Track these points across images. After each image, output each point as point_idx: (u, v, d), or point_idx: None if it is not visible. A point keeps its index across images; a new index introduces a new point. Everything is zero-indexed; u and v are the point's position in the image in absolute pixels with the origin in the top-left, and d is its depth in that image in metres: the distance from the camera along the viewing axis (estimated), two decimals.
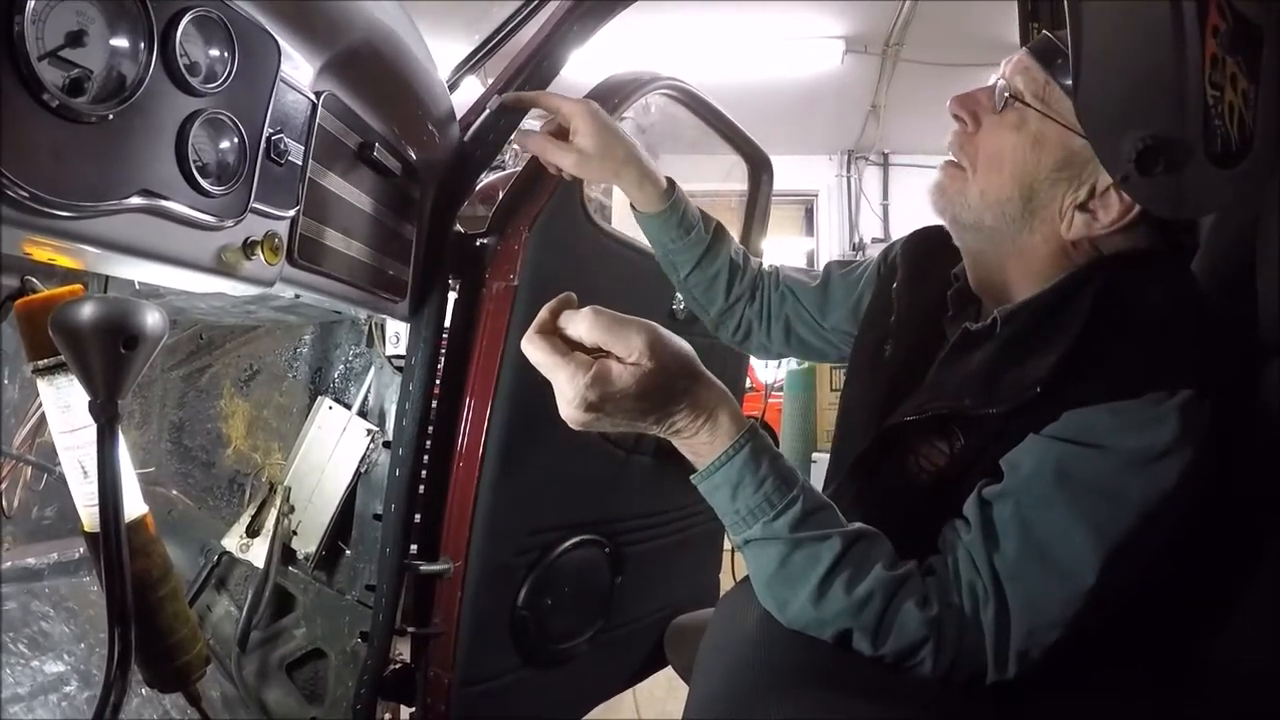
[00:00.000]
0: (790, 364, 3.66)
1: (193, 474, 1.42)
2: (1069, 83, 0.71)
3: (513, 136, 1.12)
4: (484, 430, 1.15)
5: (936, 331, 0.88)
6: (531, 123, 1.15)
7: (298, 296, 0.87)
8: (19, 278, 0.71)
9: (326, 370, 1.30)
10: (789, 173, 3.60)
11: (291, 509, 1.25)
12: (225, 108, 0.63)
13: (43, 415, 0.95)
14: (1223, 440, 0.66)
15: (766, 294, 1.14)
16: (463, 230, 1.18)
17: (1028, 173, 0.77)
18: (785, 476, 0.68)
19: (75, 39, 0.51)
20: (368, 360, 1.25)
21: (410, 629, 1.18)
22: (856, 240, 6.47)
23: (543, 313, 0.66)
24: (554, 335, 0.66)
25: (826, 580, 0.65)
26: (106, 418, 0.60)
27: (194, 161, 0.61)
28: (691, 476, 0.70)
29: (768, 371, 4.34)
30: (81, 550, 1.30)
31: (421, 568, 1.15)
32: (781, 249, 6.62)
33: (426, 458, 1.16)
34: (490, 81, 1.17)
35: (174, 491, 1.42)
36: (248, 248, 0.70)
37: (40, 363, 0.67)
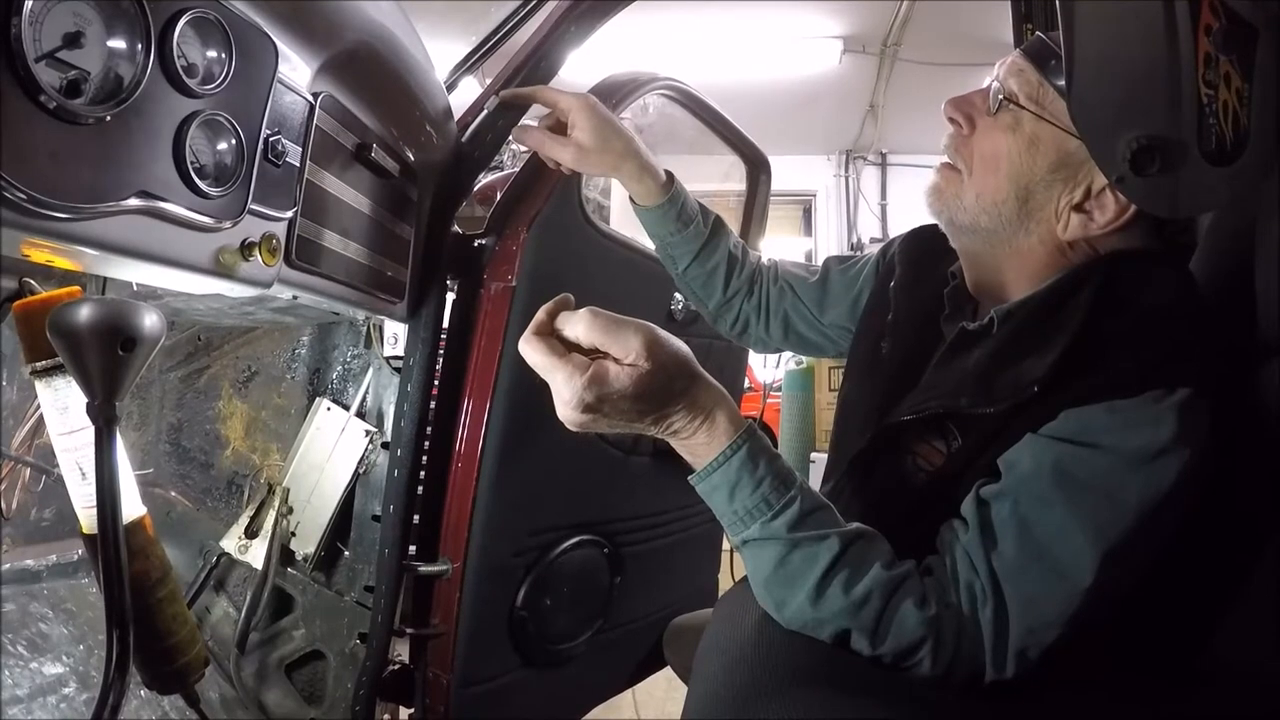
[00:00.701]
0: (788, 364, 3.65)
1: (191, 475, 1.42)
2: (1063, 84, 0.72)
3: (511, 132, 1.12)
4: (482, 431, 1.15)
5: (934, 331, 0.88)
6: (530, 121, 1.15)
7: (295, 298, 0.87)
8: (17, 279, 0.71)
9: (325, 371, 1.30)
10: (787, 173, 3.59)
11: (290, 510, 1.25)
12: (223, 109, 0.63)
13: (41, 417, 0.94)
14: (1221, 439, 0.66)
15: (765, 288, 1.14)
16: (461, 231, 1.18)
17: (1023, 174, 0.77)
18: (783, 477, 0.68)
19: (72, 40, 0.51)
20: (366, 361, 1.25)
21: (409, 630, 1.17)
22: (855, 240, 6.47)
23: (540, 314, 0.67)
24: (551, 336, 0.66)
25: (824, 580, 0.65)
26: (104, 419, 0.60)
27: (191, 163, 0.61)
28: (689, 477, 0.70)
29: (766, 371, 4.35)
30: (80, 552, 1.31)
31: (420, 568, 1.14)
32: (780, 249, 6.62)
33: (425, 458, 1.16)
34: (488, 82, 1.17)
35: (172, 493, 1.42)
36: (245, 249, 0.70)
37: (38, 364, 0.67)
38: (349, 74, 0.83)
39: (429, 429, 1.15)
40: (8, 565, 1.23)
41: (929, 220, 0.89)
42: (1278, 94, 0.70)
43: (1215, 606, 0.75)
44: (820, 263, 1.16)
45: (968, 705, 0.66)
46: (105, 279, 0.95)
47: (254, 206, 0.69)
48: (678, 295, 1.45)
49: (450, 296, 1.16)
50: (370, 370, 1.24)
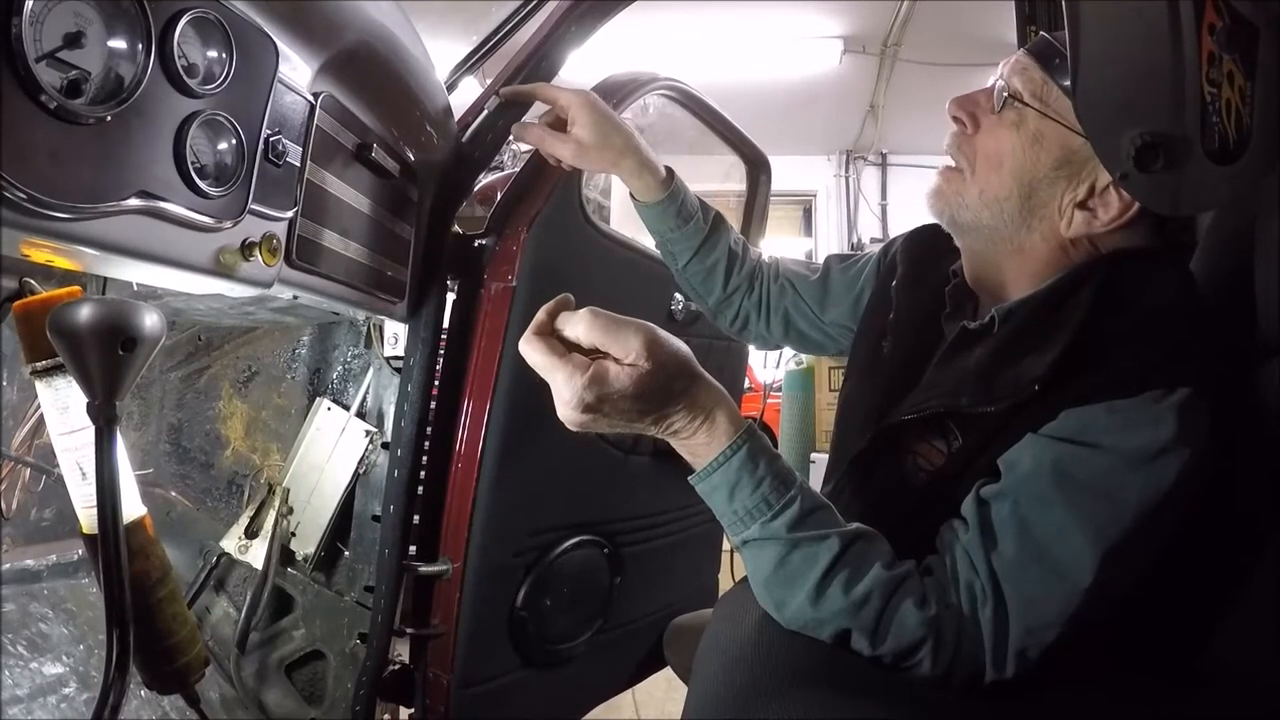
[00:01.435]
0: (788, 364, 3.66)
1: (191, 475, 1.42)
2: (1067, 83, 0.72)
3: (511, 130, 1.12)
4: (482, 431, 1.15)
5: (935, 330, 0.88)
6: (530, 120, 1.15)
7: (296, 298, 0.87)
8: (17, 279, 0.71)
9: (325, 371, 1.30)
10: (787, 173, 3.60)
11: (290, 510, 1.25)
12: (223, 109, 0.63)
13: (41, 417, 0.94)
14: (1221, 439, 0.66)
15: (765, 285, 1.15)
16: (461, 231, 1.18)
17: (1027, 171, 0.77)
18: (783, 477, 0.68)
19: (73, 40, 0.51)
20: (366, 361, 1.25)
21: (409, 630, 1.17)
22: (855, 241, 6.47)
23: (540, 314, 0.67)
24: (551, 336, 0.66)
25: (825, 580, 0.65)
26: (104, 419, 0.60)
27: (192, 163, 0.61)
28: (689, 477, 0.70)
29: (766, 371, 4.35)
30: (80, 552, 1.31)
31: (420, 569, 1.14)
32: (780, 249, 6.61)
33: (425, 459, 1.16)
34: (488, 82, 1.17)
35: (173, 493, 1.42)
36: (246, 249, 0.70)
37: (38, 364, 0.67)
38: (349, 74, 0.83)
39: (429, 429, 1.15)
40: (8, 565, 1.23)
41: (930, 220, 0.89)
42: (1279, 92, 0.70)
43: (1215, 607, 0.75)
44: (821, 261, 1.16)
45: (968, 705, 0.66)
46: (105, 279, 0.95)
47: (254, 206, 0.69)
48: (678, 295, 1.45)
49: (450, 296, 1.16)
50: (370, 370, 1.24)
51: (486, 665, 1.22)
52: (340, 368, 1.29)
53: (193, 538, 1.36)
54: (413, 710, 1.20)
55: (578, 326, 0.65)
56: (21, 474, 1.23)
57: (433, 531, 1.17)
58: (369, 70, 0.87)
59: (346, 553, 1.23)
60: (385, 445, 1.18)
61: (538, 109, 1.10)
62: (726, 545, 1.78)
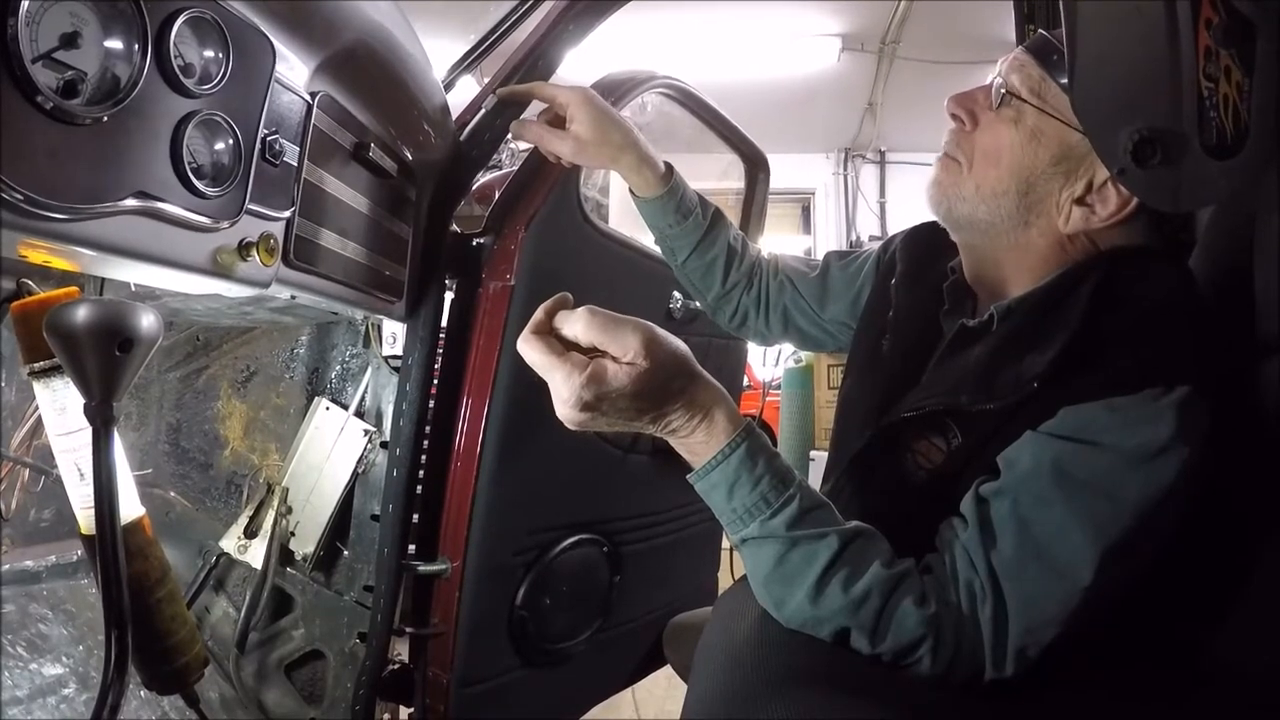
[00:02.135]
0: (787, 362, 3.66)
1: (190, 475, 1.41)
2: (1065, 80, 0.72)
3: (509, 128, 1.12)
4: (481, 430, 1.15)
5: (934, 328, 0.88)
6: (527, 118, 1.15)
7: (294, 298, 0.87)
8: (15, 280, 0.71)
9: (323, 371, 1.30)
10: (786, 171, 3.60)
11: (289, 510, 1.25)
12: (220, 109, 0.63)
13: (39, 417, 0.94)
14: (1221, 437, 0.66)
15: (764, 281, 1.15)
16: (459, 230, 1.18)
17: (1024, 167, 0.77)
18: (782, 475, 0.68)
19: (69, 41, 0.51)
20: (365, 361, 1.25)
21: (409, 629, 1.17)
22: (854, 239, 6.48)
23: (538, 313, 0.67)
24: (550, 335, 0.66)
25: (824, 578, 0.65)
26: (102, 420, 0.60)
27: (189, 163, 0.61)
28: (688, 476, 0.70)
29: (765, 369, 4.34)
30: (79, 552, 1.31)
31: (419, 568, 1.14)
32: (778, 247, 6.61)
33: (424, 458, 1.16)
34: (486, 81, 1.17)
35: (171, 493, 1.42)
36: (243, 249, 0.69)
37: (36, 365, 0.67)
38: (347, 73, 0.83)
39: (428, 428, 1.15)
40: (7, 566, 1.23)
41: (928, 217, 0.89)
42: (1278, 87, 0.70)
43: (1215, 606, 0.75)
44: (820, 258, 1.16)
45: (967, 704, 0.66)
46: (103, 279, 0.94)
47: (252, 206, 0.69)
48: (676, 294, 1.45)
49: (449, 296, 1.16)
50: (369, 369, 1.24)
51: (486, 664, 1.23)
52: (339, 367, 1.29)
53: (192, 538, 1.36)
54: (412, 710, 1.20)
55: (576, 325, 0.65)
56: (20, 475, 1.23)
57: (432, 531, 1.17)
58: (366, 70, 0.87)
59: (346, 552, 1.23)
60: (384, 444, 1.18)
61: (535, 107, 1.10)
62: (726, 544, 1.78)
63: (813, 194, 6.67)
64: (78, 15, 0.52)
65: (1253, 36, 0.69)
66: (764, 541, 0.67)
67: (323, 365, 1.30)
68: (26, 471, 1.23)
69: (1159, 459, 0.64)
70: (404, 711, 1.23)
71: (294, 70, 0.75)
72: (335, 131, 0.84)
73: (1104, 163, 0.71)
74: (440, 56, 1.19)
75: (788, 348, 2.86)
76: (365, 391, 1.24)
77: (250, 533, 1.27)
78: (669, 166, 1.08)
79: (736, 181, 1.74)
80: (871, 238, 6.36)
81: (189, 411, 1.42)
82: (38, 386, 0.68)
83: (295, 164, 0.76)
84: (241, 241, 0.69)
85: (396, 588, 1.12)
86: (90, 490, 0.62)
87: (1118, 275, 0.73)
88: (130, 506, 0.72)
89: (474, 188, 1.34)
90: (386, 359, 1.21)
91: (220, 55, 0.62)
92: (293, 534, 1.25)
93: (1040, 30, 0.82)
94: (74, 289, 0.70)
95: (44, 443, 1.15)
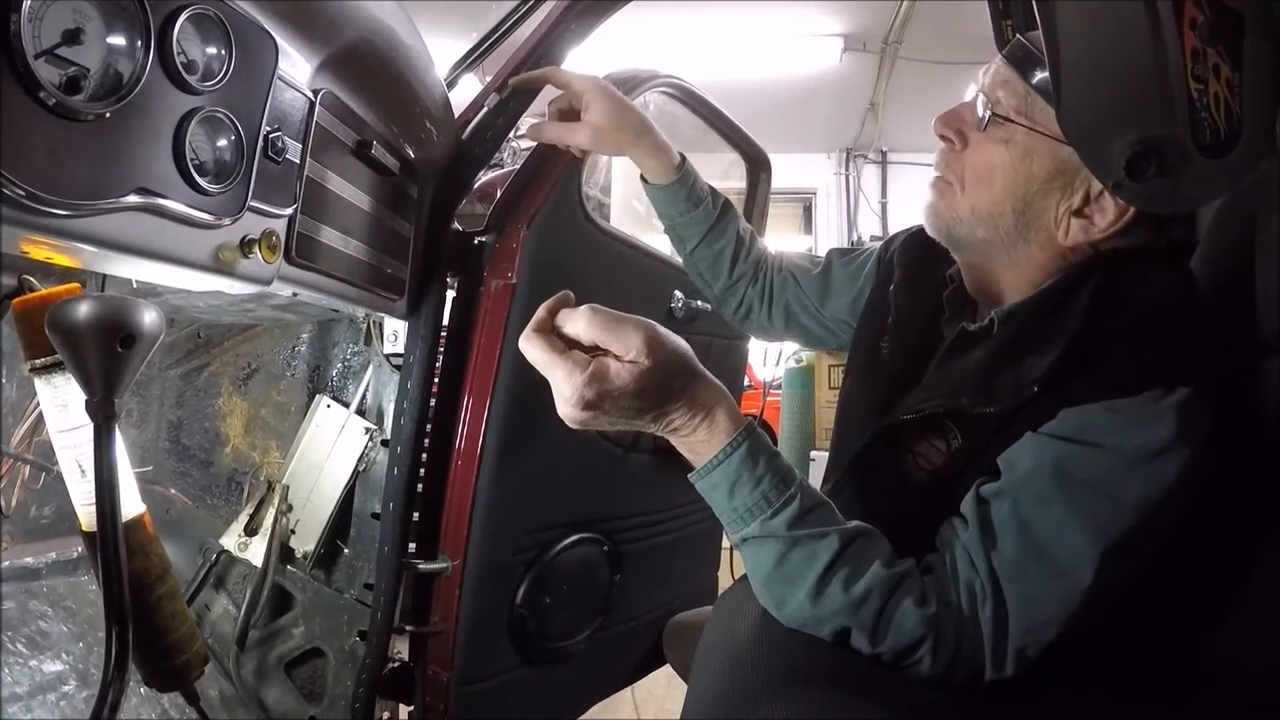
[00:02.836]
0: (788, 361, 3.65)
1: (191, 473, 1.42)
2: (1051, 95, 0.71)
3: (523, 130, 1.13)
4: (482, 428, 1.15)
5: (934, 331, 0.88)
6: (531, 118, 1.15)
7: (295, 295, 0.87)
8: (16, 276, 0.71)
9: (325, 368, 1.30)
10: (787, 171, 3.60)
11: (290, 507, 1.25)
12: (223, 106, 0.63)
13: (40, 414, 0.94)
14: (1221, 437, 0.66)
15: (769, 275, 1.15)
16: (461, 228, 1.18)
17: (1020, 186, 0.77)
18: (783, 474, 0.68)
19: (72, 37, 0.51)
20: (366, 358, 1.25)
21: (409, 627, 1.17)
22: (855, 239, 6.48)
23: (540, 311, 0.67)
24: (551, 334, 0.66)
25: (824, 578, 0.65)
26: (103, 416, 0.60)
27: (191, 160, 0.61)
28: (689, 475, 0.70)
29: (766, 369, 4.34)
30: (79, 549, 1.31)
31: (420, 566, 1.14)
32: (780, 247, 6.62)
33: (425, 456, 1.16)
34: (488, 79, 1.17)
35: (172, 490, 1.42)
36: (245, 246, 0.69)
37: (37, 361, 0.67)
38: (349, 71, 0.83)
39: (429, 426, 1.15)
40: (7, 563, 1.23)
41: None
42: (1268, 78, 0.69)
43: (1215, 606, 0.75)
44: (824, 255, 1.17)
45: (967, 705, 0.66)
46: (105, 276, 0.95)
47: (254, 203, 0.68)
48: (678, 293, 1.45)
49: (450, 294, 1.16)
50: (370, 367, 1.24)
51: (486, 663, 1.22)
52: (340, 365, 1.29)
53: (192, 535, 1.36)
54: (412, 708, 1.20)
55: (578, 323, 0.65)
56: (21, 471, 1.23)
57: (432, 529, 1.17)
58: (369, 67, 0.87)
59: (346, 550, 1.23)
60: (385, 442, 1.18)
61: (538, 105, 1.10)
62: (726, 543, 1.78)
63: (814, 194, 6.67)
64: (80, 11, 0.51)
65: (1241, 29, 0.68)
66: (765, 541, 0.67)
67: (324, 363, 1.30)
68: (27, 468, 1.23)
69: (1159, 460, 0.64)
70: (404, 710, 1.23)
71: (297, 67, 0.75)
72: (337, 129, 0.84)
73: (1098, 178, 0.70)
74: (443, 55, 1.19)
75: (789, 347, 2.86)
76: (366, 389, 1.24)
77: (251, 530, 1.28)
78: (682, 156, 1.09)
79: (738, 181, 1.74)
80: (873, 238, 6.36)
81: (190, 409, 1.42)
82: (39, 383, 0.68)
83: (298, 161, 0.76)
84: (244, 238, 0.69)
85: (397, 586, 1.12)
86: (91, 487, 0.61)
87: (1117, 277, 0.73)
88: (131, 503, 0.72)
89: (476, 186, 1.34)
90: (388, 357, 1.21)
91: (223, 52, 0.62)
92: (293, 532, 1.25)
93: (1018, 35, 0.80)
94: (75, 285, 0.70)
95: (44, 439, 1.15)
